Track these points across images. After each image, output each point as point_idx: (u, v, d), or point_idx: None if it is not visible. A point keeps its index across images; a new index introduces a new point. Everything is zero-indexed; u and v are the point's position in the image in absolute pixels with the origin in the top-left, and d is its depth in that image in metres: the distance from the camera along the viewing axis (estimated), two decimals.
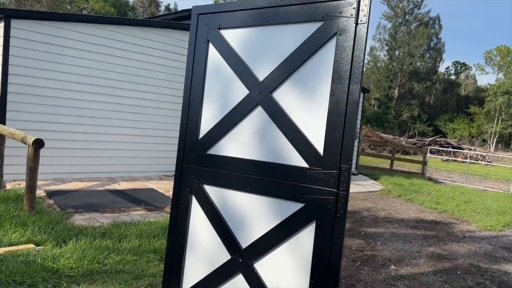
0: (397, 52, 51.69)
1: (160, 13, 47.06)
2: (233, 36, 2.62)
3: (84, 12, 33.52)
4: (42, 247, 3.96)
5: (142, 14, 48.13)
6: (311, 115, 2.29)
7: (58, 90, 7.17)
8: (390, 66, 51.97)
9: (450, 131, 48.87)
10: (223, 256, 2.56)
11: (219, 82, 2.66)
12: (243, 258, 2.47)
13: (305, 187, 2.25)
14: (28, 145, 4.82)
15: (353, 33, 2.16)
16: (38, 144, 4.81)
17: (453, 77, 64.22)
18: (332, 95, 2.20)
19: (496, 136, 48.91)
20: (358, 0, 2.15)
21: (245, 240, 2.48)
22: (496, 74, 57.63)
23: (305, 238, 2.26)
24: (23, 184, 5.61)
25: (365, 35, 2.14)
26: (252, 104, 2.49)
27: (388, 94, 50.95)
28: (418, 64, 52.03)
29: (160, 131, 8.66)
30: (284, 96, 2.38)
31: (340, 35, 2.20)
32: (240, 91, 2.55)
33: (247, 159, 2.49)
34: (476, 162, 25.89)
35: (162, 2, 51.82)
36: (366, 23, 2.14)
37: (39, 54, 6.87)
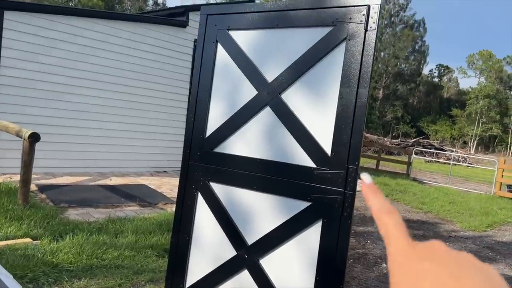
0: (382, 54, 52.33)
1: (148, 7, 46.66)
2: (242, 37, 2.67)
3: (71, 4, 33.02)
4: (39, 241, 3.96)
5: (130, 8, 47.61)
6: (319, 117, 2.36)
7: (50, 83, 7.10)
8: (375, 67, 52.51)
9: (432, 132, 49.79)
10: (229, 252, 2.62)
11: (227, 81, 2.72)
12: (248, 254, 2.53)
13: (312, 187, 2.33)
14: (24, 139, 4.79)
15: (363, 39, 2.24)
16: (34, 137, 4.78)
17: (436, 79, 65.44)
18: (340, 97, 2.27)
19: (477, 139, 50.01)
20: (368, 8, 2.23)
21: (251, 236, 2.54)
22: (478, 78, 58.88)
23: (311, 236, 2.33)
24: (14, 178, 5.57)
25: (374, 41, 2.22)
26: (261, 104, 2.55)
27: (373, 95, 51.53)
28: (402, 66, 52.84)
29: (152, 127, 8.63)
30: (293, 98, 2.45)
31: (349, 40, 2.27)
32: (248, 91, 2.61)
33: (255, 158, 2.55)
34: (458, 163, 26.44)
35: None
36: (375, 30, 2.22)
37: (32, 46, 6.79)
